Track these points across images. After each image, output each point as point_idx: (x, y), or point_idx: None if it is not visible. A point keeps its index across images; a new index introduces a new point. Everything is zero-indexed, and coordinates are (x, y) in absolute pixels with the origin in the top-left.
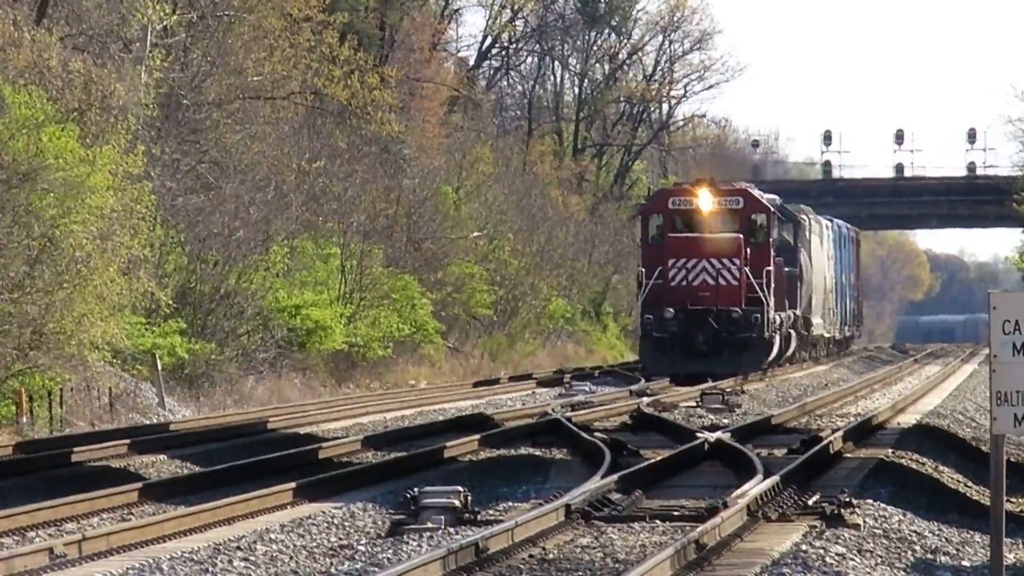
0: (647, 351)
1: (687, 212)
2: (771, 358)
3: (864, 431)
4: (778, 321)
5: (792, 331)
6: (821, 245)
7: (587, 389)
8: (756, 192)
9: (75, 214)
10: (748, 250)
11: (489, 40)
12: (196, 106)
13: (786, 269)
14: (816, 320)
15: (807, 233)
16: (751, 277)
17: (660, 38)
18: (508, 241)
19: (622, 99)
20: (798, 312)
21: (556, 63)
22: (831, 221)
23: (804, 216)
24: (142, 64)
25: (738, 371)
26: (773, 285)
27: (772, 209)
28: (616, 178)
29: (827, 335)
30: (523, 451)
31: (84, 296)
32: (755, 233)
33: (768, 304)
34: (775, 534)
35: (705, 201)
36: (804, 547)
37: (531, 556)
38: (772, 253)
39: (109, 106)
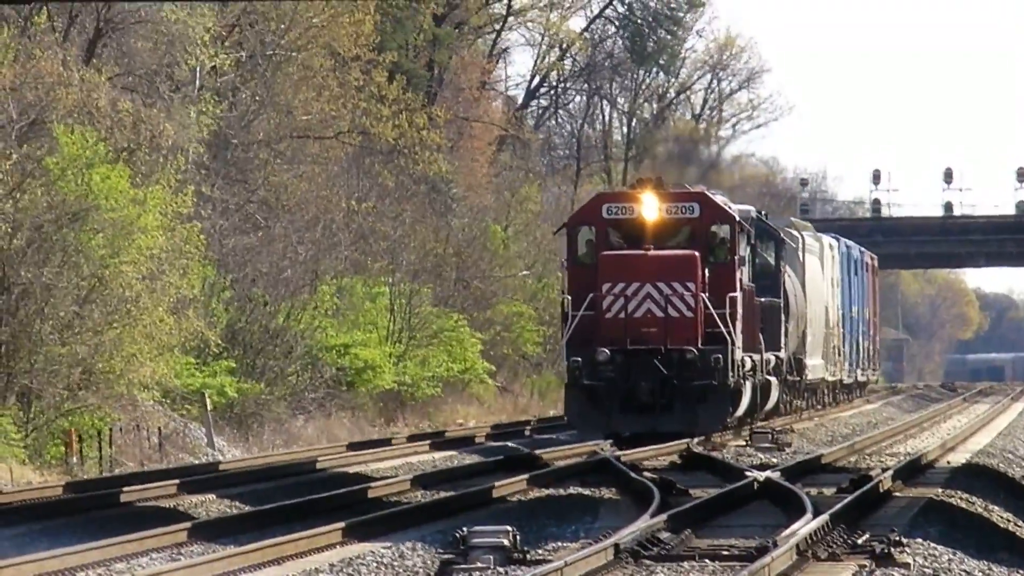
0: (574, 404)
1: (627, 223)
2: (740, 412)
3: (914, 470)
4: (748, 364)
5: (772, 377)
6: (822, 269)
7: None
8: (718, 198)
9: (125, 254)
10: (706, 272)
11: (537, 79)
12: (245, 145)
13: (763, 299)
14: (813, 362)
15: (799, 254)
16: (710, 306)
17: (708, 77)
18: (557, 280)
19: (670, 139)
20: (781, 354)
21: (604, 102)
22: (837, 240)
23: (794, 232)
24: (193, 105)
25: (694, 429)
26: (741, 316)
27: (738, 219)
28: None
29: (831, 379)
30: (572, 490)
31: (133, 336)
32: (716, 250)
33: (734, 341)
34: (825, 573)
35: (650, 209)
36: None
37: None
38: (740, 276)
39: (158, 145)
